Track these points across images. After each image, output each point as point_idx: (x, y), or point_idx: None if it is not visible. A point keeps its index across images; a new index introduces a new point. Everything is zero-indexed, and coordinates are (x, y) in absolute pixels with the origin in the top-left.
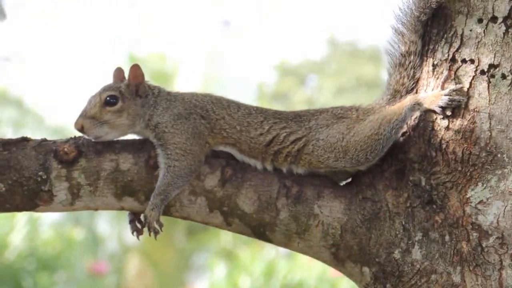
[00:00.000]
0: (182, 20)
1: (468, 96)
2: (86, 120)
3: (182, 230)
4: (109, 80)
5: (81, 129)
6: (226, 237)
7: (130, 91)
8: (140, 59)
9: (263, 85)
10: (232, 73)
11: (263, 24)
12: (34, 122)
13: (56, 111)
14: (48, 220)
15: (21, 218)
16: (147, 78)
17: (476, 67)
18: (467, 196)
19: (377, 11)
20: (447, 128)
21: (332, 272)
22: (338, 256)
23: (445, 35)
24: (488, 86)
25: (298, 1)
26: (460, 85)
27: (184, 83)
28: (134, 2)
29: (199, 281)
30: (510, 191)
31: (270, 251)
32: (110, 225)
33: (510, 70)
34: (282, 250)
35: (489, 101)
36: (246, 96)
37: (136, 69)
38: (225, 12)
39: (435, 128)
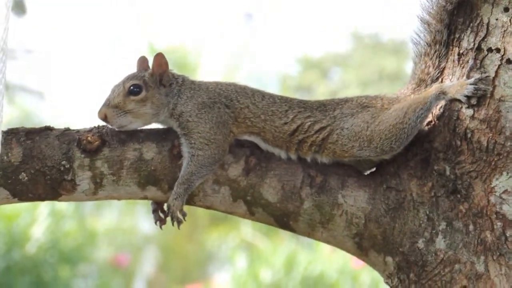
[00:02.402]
0: (205, 13)
1: (493, 85)
2: (109, 109)
3: (202, 222)
4: (129, 71)
5: (104, 118)
6: (246, 229)
7: (154, 80)
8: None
9: (286, 78)
10: (255, 66)
11: (286, 17)
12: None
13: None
14: (69, 212)
15: (43, 210)
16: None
17: (502, 56)
18: (492, 186)
19: (400, 4)
20: (472, 117)
21: (353, 264)
22: (361, 245)
23: (471, 24)
24: None
25: None
26: (486, 74)
27: (206, 76)
28: None
29: (220, 273)
30: None
31: (291, 243)
32: (128, 216)
33: None
34: (302, 241)
35: None
36: (269, 89)
37: (160, 58)
38: (248, 5)
39: (460, 117)
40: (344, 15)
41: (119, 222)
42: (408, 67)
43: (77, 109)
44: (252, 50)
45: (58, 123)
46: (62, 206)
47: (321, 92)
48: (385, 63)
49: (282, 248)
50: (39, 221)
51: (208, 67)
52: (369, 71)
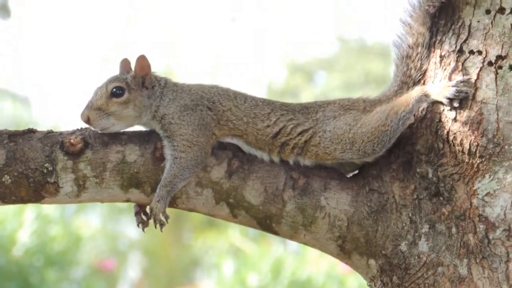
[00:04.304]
0: (189, 16)
1: (475, 87)
2: (92, 111)
3: (189, 227)
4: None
5: (87, 120)
6: (233, 234)
7: (137, 82)
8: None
9: (272, 82)
10: (240, 70)
11: (272, 21)
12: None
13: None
14: (55, 216)
15: (29, 214)
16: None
17: (484, 58)
18: (474, 188)
19: (385, 7)
20: (455, 119)
21: (340, 269)
22: (344, 248)
23: (453, 26)
24: (496, 77)
25: None
26: (468, 77)
27: (191, 80)
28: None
29: (207, 279)
30: None
31: (278, 248)
32: (113, 221)
33: None
34: (290, 247)
35: (496, 93)
36: (255, 93)
37: (142, 60)
38: (233, 9)
39: (443, 119)
40: (329, 19)
41: (104, 226)
42: (393, 66)
43: (60, 111)
44: (237, 54)
45: (42, 126)
46: (49, 210)
47: (306, 96)
48: (370, 66)
49: (269, 253)
50: (25, 225)
51: (193, 70)
52: (354, 74)
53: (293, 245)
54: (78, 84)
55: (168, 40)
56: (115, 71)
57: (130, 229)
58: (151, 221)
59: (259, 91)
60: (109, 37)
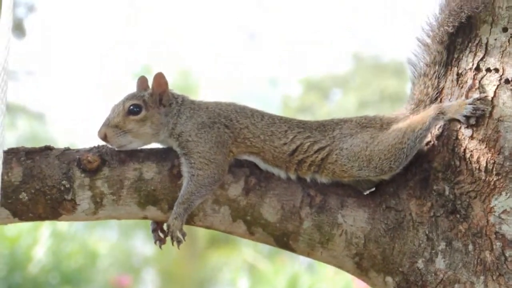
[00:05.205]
0: (206, 34)
1: (492, 105)
2: (109, 129)
3: (202, 244)
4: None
5: (104, 138)
6: (248, 251)
7: (154, 100)
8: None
9: (288, 99)
10: (256, 87)
11: (288, 38)
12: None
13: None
14: (70, 233)
15: (45, 231)
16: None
17: (501, 76)
18: (491, 206)
19: (401, 24)
20: (471, 137)
21: (356, 286)
22: (361, 265)
23: (470, 44)
24: None
25: (322, 16)
26: (484, 94)
27: (207, 97)
28: (156, 15)
29: None
30: None
31: (293, 264)
32: (127, 238)
33: None
34: (304, 263)
35: None
36: (270, 110)
37: (160, 77)
38: (250, 26)
39: (459, 137)
40: (345, 36)
41: (118, 243)
42: (409, 88)
43: (78, 129)
44: (253, 71)
45: (59, 143)
46: (64, 227)
47: (321, 113)
48: (386, 84)
49: (284, 269)
50: (41, 243)
51: (210, 87)
52: (370, 92)
53: (306, 261)
54: (94, 100)
55: (168, 39)
56: (117, 70)
57: (143, 245)
58: (168, 238)
59: (274, 108)
60: (109, 36)
